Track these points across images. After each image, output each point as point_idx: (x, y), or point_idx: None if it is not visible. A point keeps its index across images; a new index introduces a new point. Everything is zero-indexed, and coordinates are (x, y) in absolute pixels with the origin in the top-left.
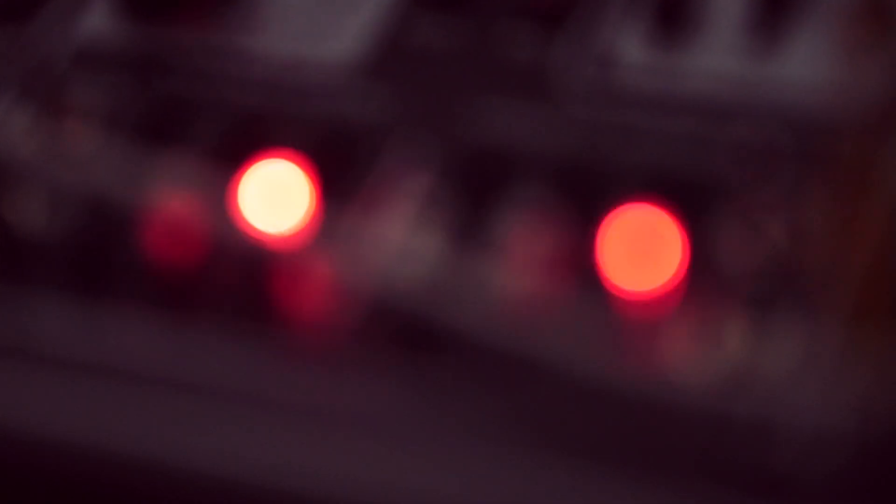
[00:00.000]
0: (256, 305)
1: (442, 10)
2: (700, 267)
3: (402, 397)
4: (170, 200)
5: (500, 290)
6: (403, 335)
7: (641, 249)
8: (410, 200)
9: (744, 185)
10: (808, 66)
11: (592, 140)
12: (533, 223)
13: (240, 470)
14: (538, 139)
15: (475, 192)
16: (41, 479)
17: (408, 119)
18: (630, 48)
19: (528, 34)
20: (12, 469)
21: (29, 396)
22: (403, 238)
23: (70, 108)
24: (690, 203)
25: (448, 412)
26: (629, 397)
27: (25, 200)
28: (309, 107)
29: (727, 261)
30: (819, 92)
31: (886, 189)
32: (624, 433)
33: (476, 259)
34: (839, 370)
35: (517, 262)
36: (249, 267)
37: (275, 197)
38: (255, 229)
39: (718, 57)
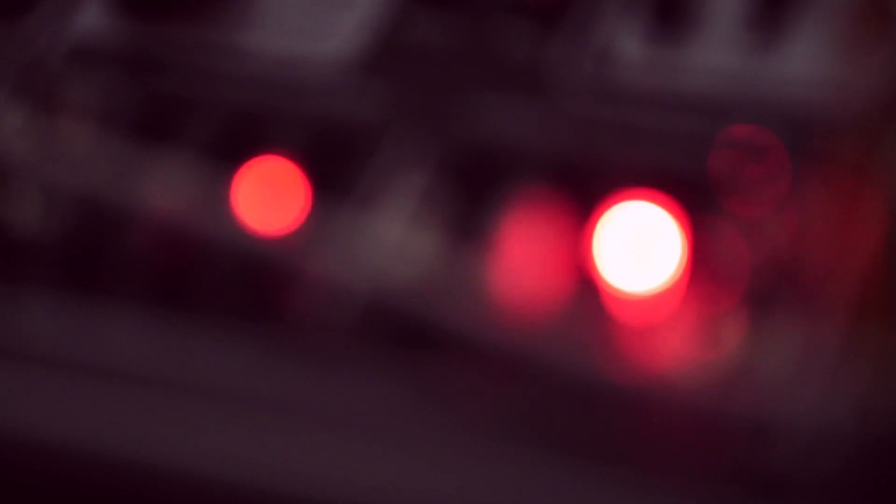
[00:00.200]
0: (252, 304)
1: (438, 7)
2: (698, 265)
3: (398, 396)
4: (164, 199)
5: (497, 289)
6: (399, 334)
7: (639, 248)
8: (406, 198)
9: (742, 182)
10: (807, 62)
11: (590, 137)
12: (529, 221)
13: (235, 470)
14: (535, 136)
15: (471, 189)
16: (35, 480)
17: (404, 116)
18: (628, 44)
19: (525, 30)
20: (6, 469)
21: (22, 396)
22: (399, 236)
23: (64, 105)
24: (688, 201)
25: (444, 411)
26: (626, 397)
27: (19, 199)
28: (304, 104)
29: (725, 259)
30: (818, 89)
31: (886, 186)
32: (621, 433)
33: (472, 257)
34: (838, 370)
35: (514, 261)
36: (245, 265)
37: (270, 195)
38: (250, 227)
39: (717, 53)
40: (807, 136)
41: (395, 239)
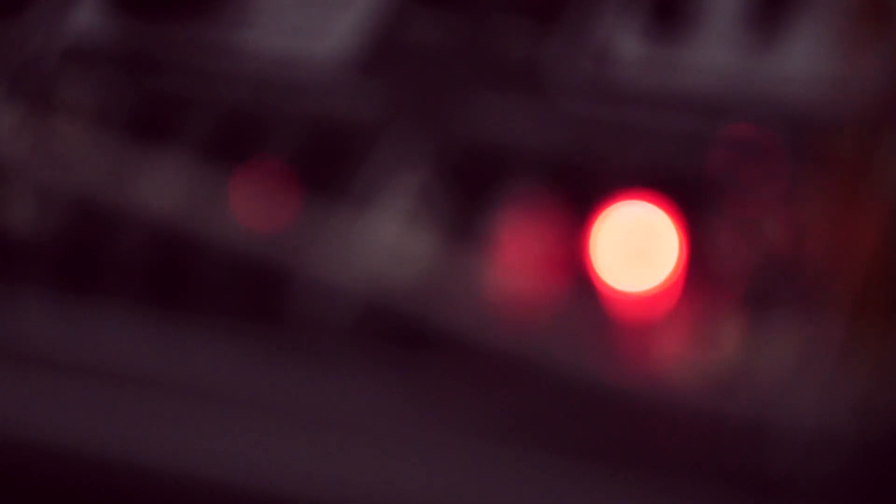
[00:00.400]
0: (248, 304)
1: (435, 6)
2: (696, 265)
3: (395, 396)
4: (160, 198)
5: (494, 290)
6: (396, 334)
7: (636, 248)
8: (403, 198)
9: (740, 182)
10: (806, 61)
11: (588, 137)
12: (527, 221)
13: (231, 470)
14: (533, 136)
15: (469, 189)
16: (29, 481)
17: (401, 116)
18: (626, 43)
19: (523, 29)
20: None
21: (16, 396)
22: (396, 236)
23: (60, 105)
24: (686, 201)
25: (440, 411)
26: (624, 397)
27: (14, 198)
28: (301, 103)
29: (723, 259)
30: (817, 88)
31: (885, 186)
32: (619, 434)
33: (469, 258)
34: (837, 370)
35: (511, 261)
36: (241, 265)
37: (266, 194)
38: (246, 227)
39: (716, 52)
40: (806, 136)
41: (391, 239)
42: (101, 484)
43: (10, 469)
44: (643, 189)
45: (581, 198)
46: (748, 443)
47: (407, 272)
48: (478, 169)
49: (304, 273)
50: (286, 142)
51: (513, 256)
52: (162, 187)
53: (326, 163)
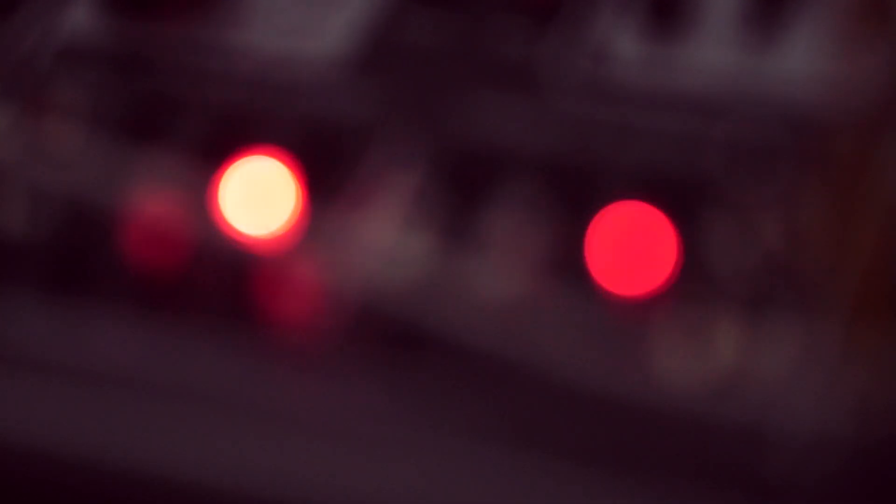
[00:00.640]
0: (241, 308)
1: (431, 5)
2: (693, 267)
3: (390, 400)
4: (153, 201)
5: (489, 292)
6: (391, 337)
7: (633, 249)
8: (399, 199)
9: (738, 182)
10: (805, 61)
11: (585, 137)
12: (523, 222)
13: (223, 475)
14: (529, 136)
15: (465, 190)
16: (19, 485)
17: (396, 116)
18: (623, 42)
19: (519, 29)
20: None
21: (7, 400)
22: (391, 238)
23: (53, 105)
24: (684, 201)
25: (436, 415)
26: (620, 401)
27: (6, 201)
28: (296, 103)
29: (721, 261)
30: (816, 87)
31: (884, 187)
32: (615, 437)
33: (465, 260)
34: (835, 373)
35: (506, 263)
36: (234, 268)
37: (260, 196)
38: (239, 230)
39: (714, 51)
40: (805, 136)
41: (387, 240)
42: (94, 487)
43: (2, 473)
44: (640, 190)
45: (578, 198)
46: (746, 446)
47: (402, 273)
48: (474, 169)
49: (298, 275)
50: (281, 142)
51: (509, 259)
52: (156, 188)
53: (321, 163)
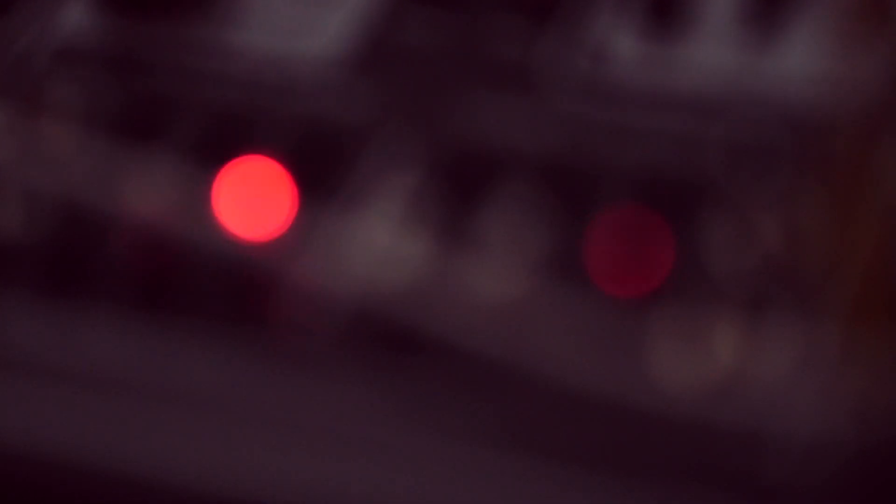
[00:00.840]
0: (236, 309)
1: (427, 5)
2: (691, 268)
3: (386, 402)
4: (149, 201)
5: (487, 293)
6: (388, 339)
7: (631, 251)
8: (395, 200)
9: (737, 183)
10: (804, 60)
11: (583, 138)
12: (521, 224)
13: (218, 477)
14: (527, 137)
15: (462, 191)
16: (12, 489)
17: (393, 117)
18: (622, 42)
19: (517, 28)
20: None
21: (2, 403)
22: (388, 239)
23: (48, 106)
24: (682, 202)
25: (431, 418)
26: (619, 403)
27: (1, 201)
28: (292, 104)
29: (719, 262)
30: (815, 87)
31: (883, 187)
32: (613, 441)
33: (462, 262)
34: (835, 375)
35: (504, 265)
36: (230, 270)
37: (256, 197)
38: (235, 231)
39: (713, 51)
40: (804, 136)
41: (383, 241)
42: (89, 490)
43: None
44: (638, 191)
45: (576, 199)
46: (745, 448)
47: (398, 275)
48: (472, 170)
49: (294, 277)
50: (277, 143)
51: (506, 260)
52: (151, 190)
53: (318, 164)
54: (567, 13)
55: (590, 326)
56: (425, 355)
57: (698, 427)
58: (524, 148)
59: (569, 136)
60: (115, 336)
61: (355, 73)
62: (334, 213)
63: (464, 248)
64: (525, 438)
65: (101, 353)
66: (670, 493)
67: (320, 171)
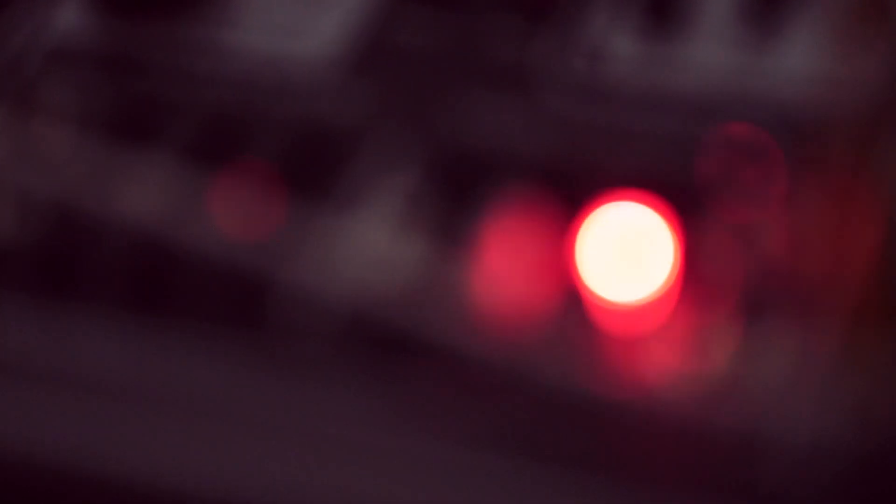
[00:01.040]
0: (232, 312)
1: (424, 5)
2: (689, 272)
3: (380, 406)
4: (143, 203)
5: (482, 297)
6: (382, 343)
7: (627, 254)
8: (391, 202)
9: (736, 184)
10: (803, 60)
11: (580, 138)
12: (517, 225)
13: (211, 481)
14: (524, 138)
15: (458, 192)
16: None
17: (389, 118)
18: (619, 42)
19: (513, 28)
20: None
21: None
22: (384, 241)
23: (41, 107)
24: (680, 204)
25: (426, 422)
26: (615, 408)
27: None
28: (287, 105)
29: (717, 265)
30: (814, 87)
31: (883, 188)
32: (610, 446)
33: (457, 263)
34: (833, 380)
35: (500, 267)
36: (225, 271)
37: (251, 198)
38: (230, 232)
39: (712, 51)
40: (803, 137)
41: (378, 244)
42: (81, 494)
43: None
44: (636, 192)
45: (573, 201)
46: (743, 454)
47: (394, 278)
48: (467, 172)
49: (288, 279)
50: (272, 144)
51: (502, 263)
52: (145, 191)
53: (312, 166)
54: (564, 13)
55: (587, 329)
56: (420, 358)
57: (697, 431)
58: (521, 149)
59: (566, 137)
60: (110, 338)
61: (351, 74)
62: (329, 215)
63: (460, 250)
64: (521, 442)
65: (95, 356)
66: (669, 497)
67: (315, 173)
